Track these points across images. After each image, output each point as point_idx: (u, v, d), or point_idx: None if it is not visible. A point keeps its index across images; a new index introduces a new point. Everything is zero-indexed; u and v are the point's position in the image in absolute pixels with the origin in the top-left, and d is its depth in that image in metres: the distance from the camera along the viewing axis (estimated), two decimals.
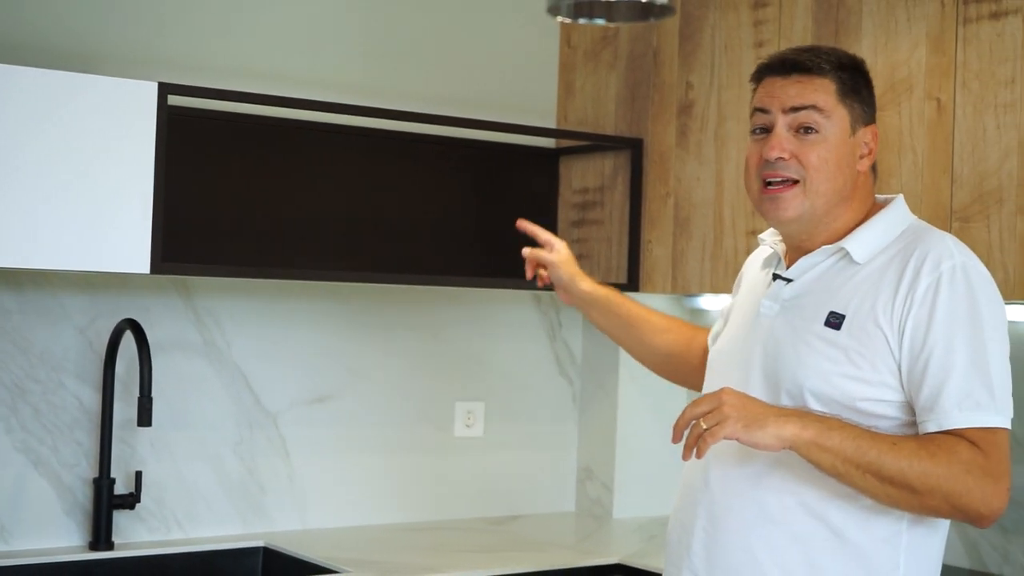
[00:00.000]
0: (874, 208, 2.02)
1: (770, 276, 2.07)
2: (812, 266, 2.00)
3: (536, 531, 3.30)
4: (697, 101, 3.19)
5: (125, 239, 2.62)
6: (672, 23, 3.25)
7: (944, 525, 1.96)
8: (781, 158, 1.95)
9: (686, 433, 1.85)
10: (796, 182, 1.96)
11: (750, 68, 3.03)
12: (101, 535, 2.85)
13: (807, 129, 1.95)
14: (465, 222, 3.36)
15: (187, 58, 3.02)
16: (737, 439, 1.80)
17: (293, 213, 3.09)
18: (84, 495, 2.89)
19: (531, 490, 3.54)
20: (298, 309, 3.18)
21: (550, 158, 3.54)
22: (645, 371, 2.52)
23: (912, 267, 1.88)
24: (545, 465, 3.56)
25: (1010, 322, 2.78)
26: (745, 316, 2.08)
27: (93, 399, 2.90)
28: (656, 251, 3.30)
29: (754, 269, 2.19)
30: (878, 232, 1.97)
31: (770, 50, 2.98)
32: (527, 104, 3.52)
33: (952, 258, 1.88)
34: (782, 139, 1.96)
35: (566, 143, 3.52)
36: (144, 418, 2.72)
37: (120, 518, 2.92)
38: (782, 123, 1.97)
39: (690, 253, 3.21)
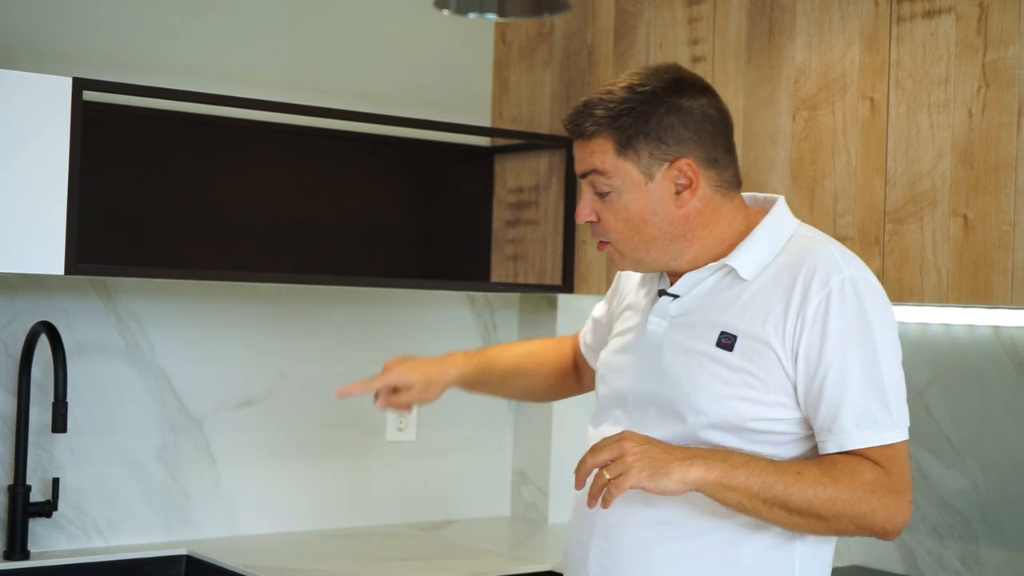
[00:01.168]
0: (753, 217, 1.98)
1: (653, 291, 2.04)
2: (699, 281, 1.96)
3: (469, 537, 3.24)
4: None
5: (39, 239, 2.54)
6: (607, 20, 3.20)
7: None
8: (591, 221, 1.96)
9: (589, 480, 1.82)
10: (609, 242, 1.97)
11: (685, 66, 3.00)
12: (16, 544, 2.76)
13: (601, 192, 1.93)
14: (397, 221, 3.30)
15: (106, 53, 2.93)
16: (642, 488, 1.76)
17: (219, 212, 3.02)
18: None
19: (465, 495, 3.48)
20: (224, 310, 3.10)
21: (485, 157, 3.48)
22: None
23: (801, 285, 1.85)
24: (480, 469, 3.50)
25: (944, 325, 2.78)
26: (632, 331, 2.04)
27: (8, 404, 2.81)
28: (591, 252, 3.25)
29: (633, 280, 2.15)
30: (762, 245, 1.93)
31: (705, 48, 2.95)
32: (461, 102, 3.46)
33: (840, 272, 1.85)
34: (587, 203, 1.95)
35: (501, 142, 3.46)
36: (59, 424, 2.64)
37: (36, 526, 2.83)
38: (585, 186, 1.95)
39: None
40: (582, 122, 1.91)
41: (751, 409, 1.85)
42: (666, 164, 1.90)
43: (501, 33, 3.51)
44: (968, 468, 2.76)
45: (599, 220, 1.94)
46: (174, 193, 2.96)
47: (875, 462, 1.80)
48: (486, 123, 3.51)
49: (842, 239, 2.63)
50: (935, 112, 2.49)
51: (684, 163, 1.90)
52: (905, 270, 2.53)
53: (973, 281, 2.43)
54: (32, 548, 2.81)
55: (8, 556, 2.76)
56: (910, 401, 2.83)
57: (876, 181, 2.59)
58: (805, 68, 2.73)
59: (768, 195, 2.02)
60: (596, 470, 1.80)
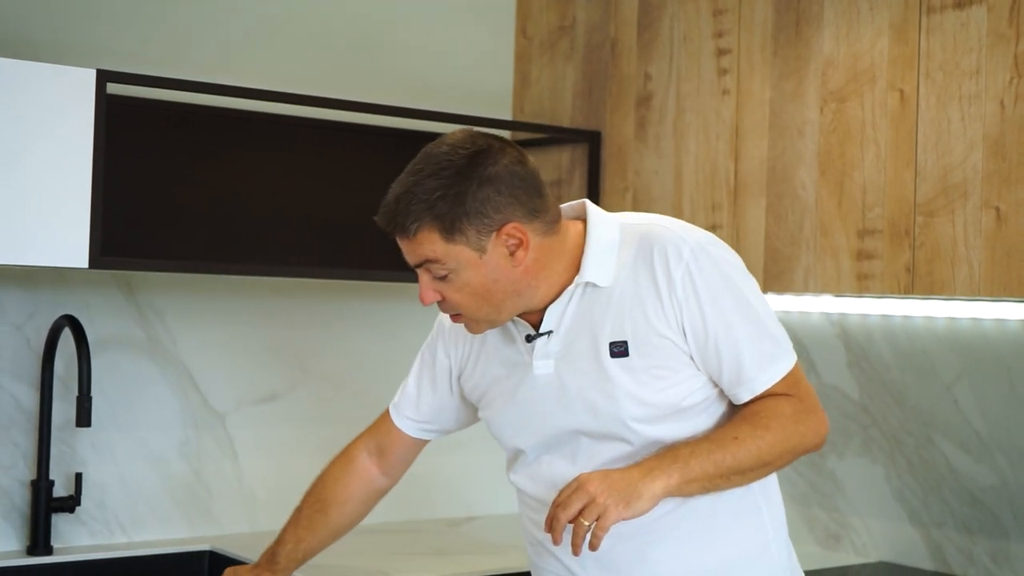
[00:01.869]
0: (576, 230, 2.00)
1: (514, 338, 2.05)
2: (564, 309, 1.99)
3: (493, 533, 3.23)
4: (656, 93, 3.12)
5: (62, 232, 2.52)
6: (630, 13, 3.18)
7: None
8: (437, 301, 1.98)
9: (566, 534, 1.86)
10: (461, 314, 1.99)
11: (710, 59, 2.99)
12: (39, 539, 2.75)
13: (439, 276, 1.94)
14: None
15: (129, 47, 2.92)
16: (623, 519, 1.82)
17: (242, 207, 3.00)
18: (21, 498, 2.79)
19: (489, 490, 3.46)
20: (247, 305, 3.09)
21: None
22: None
23: (660, 269, 1.92)
24: (503, 464, 3.47)
25: (973, 319, 2.75)
26: (518, 383, 2.05)
27: (31, 398, 2.80)
28: None
29: (464, 336, 2.14)
30: (603, 251, 1.97)
31: (730, 41, 2.92)
32: (482, 96, 3.44)
33: (685, 243, 1.93)
34: (427, 288, 1.97)
35: (522, 135, 3.44)
36: (83, 418, 2.62)
37: (59, 521, 2.82)
38: (422, 272, 1.96)
39: None
40: (402, 220, 1.92)
41: (672, 394, 1.94)
42: (494, 234, 1.92)
43: (522, 27, 3.50)
44: (997, 463, 2.73)
45: (444, 299, 1.97)
46: (196, 188, 2.95)
47: (784, 394, 1.93)
48: (507, 117, 3.49)
49: (871, 232, 2.61)
50: (966, 104, 2.47)
51: (511, 227, 1.92)
52: (936, 263, 2.50)
53: (1006, 274, 2.40)
54: (55, 543, 2.80)
55: (31, 551, 2.75)
56: (938, 396, 2.82)
57: (906, 174, 2.57)
58: (833, 60, 2.70)
59: (573, 202, 2.06)
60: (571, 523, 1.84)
